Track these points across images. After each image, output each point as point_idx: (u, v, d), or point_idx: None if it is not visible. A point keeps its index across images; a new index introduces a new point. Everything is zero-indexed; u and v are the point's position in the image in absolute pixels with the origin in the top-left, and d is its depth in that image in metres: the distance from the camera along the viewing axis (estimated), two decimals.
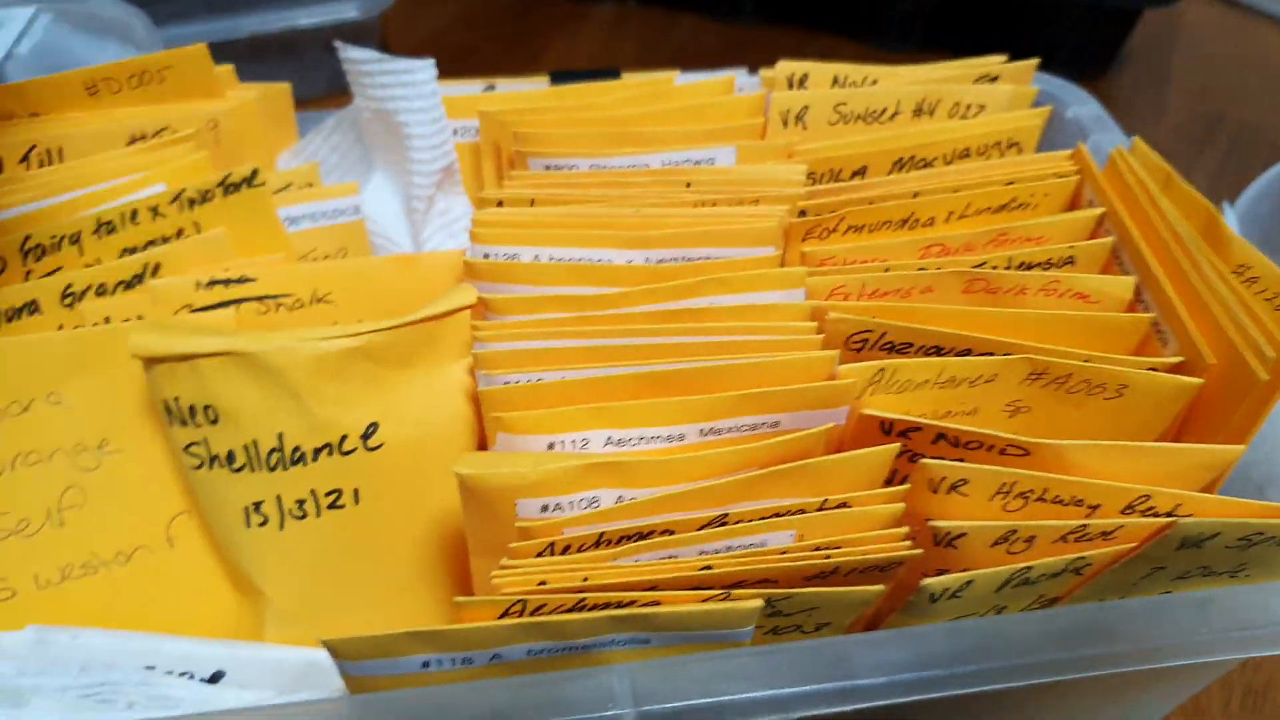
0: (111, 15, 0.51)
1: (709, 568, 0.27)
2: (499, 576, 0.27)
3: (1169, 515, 0.28)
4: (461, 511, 0.34)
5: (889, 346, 0.33)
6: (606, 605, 0.26)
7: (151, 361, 0.31)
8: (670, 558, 0.28)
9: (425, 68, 0.38)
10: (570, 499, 0.29)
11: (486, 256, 0.35)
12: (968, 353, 0.32)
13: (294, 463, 0.32)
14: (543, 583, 0.26)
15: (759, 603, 0.26)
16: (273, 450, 0.32)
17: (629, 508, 0.28)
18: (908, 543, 0.28)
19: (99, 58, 0.54)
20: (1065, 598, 0.30)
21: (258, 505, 0.33)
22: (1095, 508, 0.29)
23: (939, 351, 0.33)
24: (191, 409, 0.31)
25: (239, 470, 0.32)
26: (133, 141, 0.39)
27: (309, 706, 0.27)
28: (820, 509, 0.28)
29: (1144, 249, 0.34)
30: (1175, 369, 0.32)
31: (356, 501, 0.33)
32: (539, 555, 0.27)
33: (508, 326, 0.32)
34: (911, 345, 0.33)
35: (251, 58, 0.62)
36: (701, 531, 0.28)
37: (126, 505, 0.35)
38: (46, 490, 0.34)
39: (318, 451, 0.32)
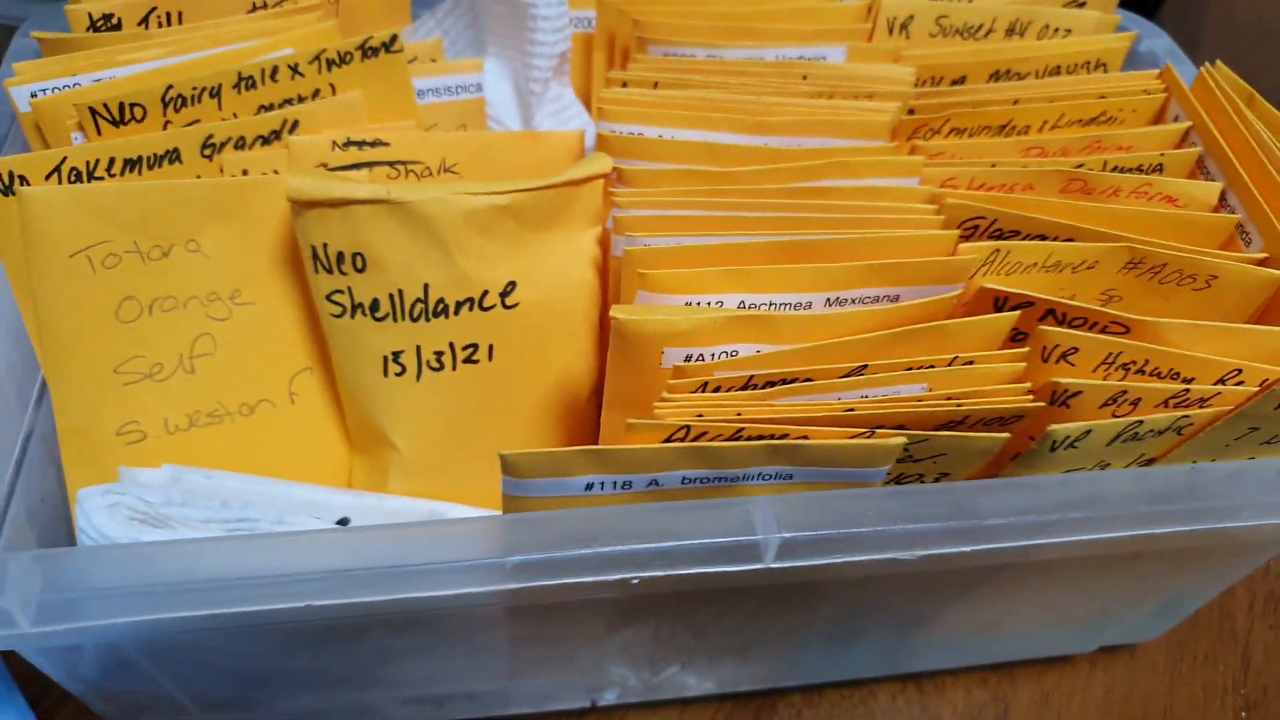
0: None
1: (852, 410, 0.29)
2: (661, 407, 0.28)
3: (1259, 387, 0.31)
4: (591, 368, 0.36)
5: (998, 234, 0.35)
6: (761, 437, 0.28)
7: (304, 206, 0.32)
8: (812, 401, 0.30)
9: None
10: (714, 350, 0.31)
11: (613, 133, 0.36)
12: (1070, 241, 0.35)
13: (436, 314, 0.33)
14: (700, 415, 0.28)
15: (902, 440, 0.28)
16: (417, 300, 0.33)
17: (773, 357, 0.30)
18: (1030, 396, 0.30)
19: None
20: (1162, 458, 0.33)
21: (397, 355, 0.34)
22: (1190, 380, 0.32)
23: (1043, 239, 0.35)
24: (340, 256, 0.32)
25: (382, 319, 0.33)
26: (254, 10, 0.40)
27: (475, 524, 0.29)
28: (950, 364, 0.30)
29: (1231, 156, 0.36)
30: (1261, 264, 0.34)
31: (490, 358, 0.35)
32: (693, 393, 0.29)
33: (647, 193, 0.33)
34: (1019, 233, 0.35)
35: None
36: (842, 380, 0.30)
37: (254, 357, 0.36)
38: (180, 337, 0.35)
39: (460, 305, 0.34)
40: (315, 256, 0.33)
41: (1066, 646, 0.43)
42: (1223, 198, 0.37)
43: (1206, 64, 0.39)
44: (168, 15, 0.40)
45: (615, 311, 0.30)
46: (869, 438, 0.28)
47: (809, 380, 0.30)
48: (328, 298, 0.33)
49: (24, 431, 0.36)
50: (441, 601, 0.28)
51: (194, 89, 0.35)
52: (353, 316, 0.33)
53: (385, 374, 0.34)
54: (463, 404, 0.35)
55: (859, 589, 0.35)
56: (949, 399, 0.30)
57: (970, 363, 0.31)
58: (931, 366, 0.30)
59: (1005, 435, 0.29)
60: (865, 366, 0.30)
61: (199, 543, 0.28)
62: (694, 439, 0.28)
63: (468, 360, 0.35)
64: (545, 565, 0.27)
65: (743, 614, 0.35)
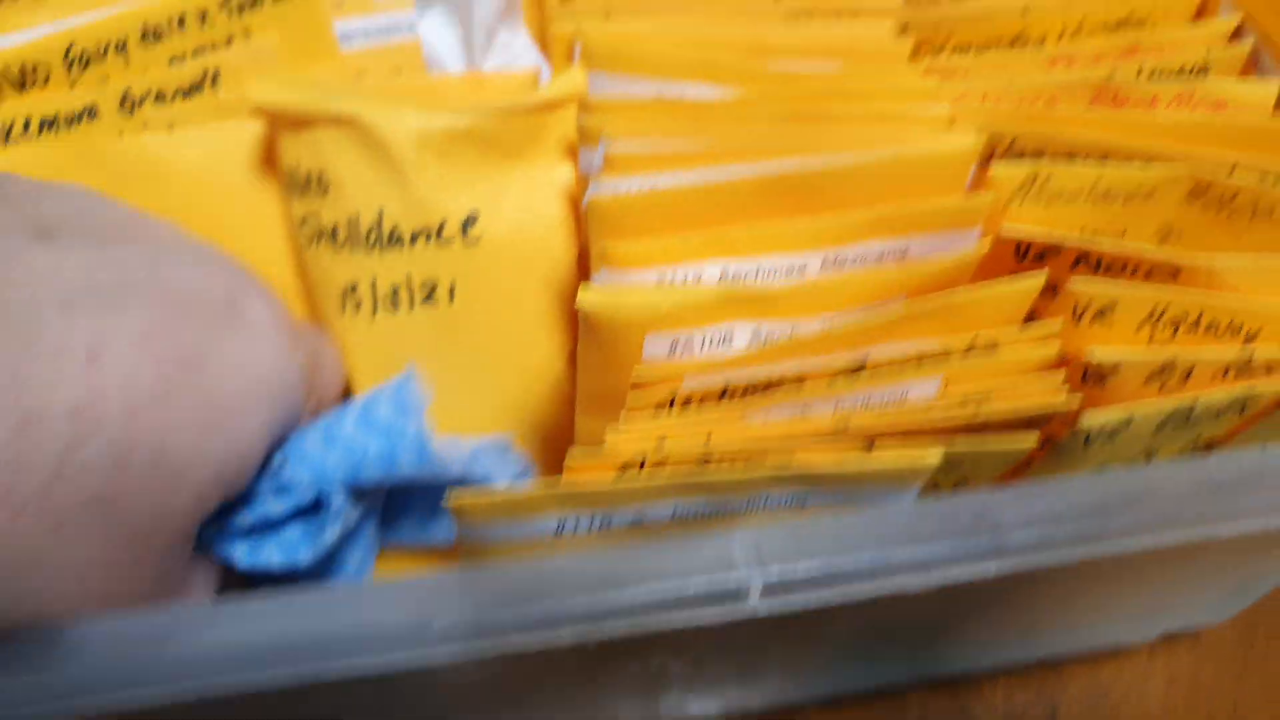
0: None
1: (846, 423, 0.23)
2: (615, 434, 0.23)
3: None
4: (570, 320, 0.31)
5: (1019, 155, 0.29)
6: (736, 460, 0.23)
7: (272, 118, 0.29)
8: (803, 411, 0.24)
9: None
10: (703, 333, 0.25)
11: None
12: (1105, 160, 0.29)
13: (390, 243, 0.29)
14: (663, 439, 0.23)
15: (939, 454, 0.23)
16: (371, 228, 0.29)
17: (758, 354, 0.24)
18: (1065, 387, 0.24)
19: None
20: (1223, 442, 0.27)
21: (354, 287, 0.29)
22: (1255, 335, 0.26)
23: (1072, 158, 0.29)
24: (308, 177, 0.29)
25: (340, 246, 0.29)
26: None
27: (407, 589, 0.24)
28: (968, 351, 0.25)
29: None
30: None
31: (451, 299, 0.30)
32: (654, 412, 0.24)
33: (627, 124, 0.27)
34: (1044, 153, 0.29)
35: None
36: (838, 380, 0.24)
37: None
38: None
39: (415, 235, 0.29)
40: (290, 178, 0.29)
41: (1122, 636, 0.38)
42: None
43: None
44: None
45: (582, 298, 0.24)
46: (869, 450, 0.23)
47: (801, 382, 0.24)
48: (301, 223, 0.30)
49: None
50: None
51: (98, 44, 0.31)
52: (319, 244, 0.29)
53: (343, 309, 0.30)
54: (422, 350, 0.31)
55: (877, 607, 0.29)
56: (965, 401, 0.24)
57: (994, 345, 0.25)
58: (946, 355, 0.25)
59: (1032, 439, 0.24)
60: (865, 362, 0.24)
61: None
62: (654, 467, 0.22)
63: (427, 300, 0.30)
64: (472, 629, 0.22)
65: (742, 640, 0.31)
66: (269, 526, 0.26)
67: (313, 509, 0.26)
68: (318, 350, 0.29)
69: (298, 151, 0.29)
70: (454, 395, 0.31)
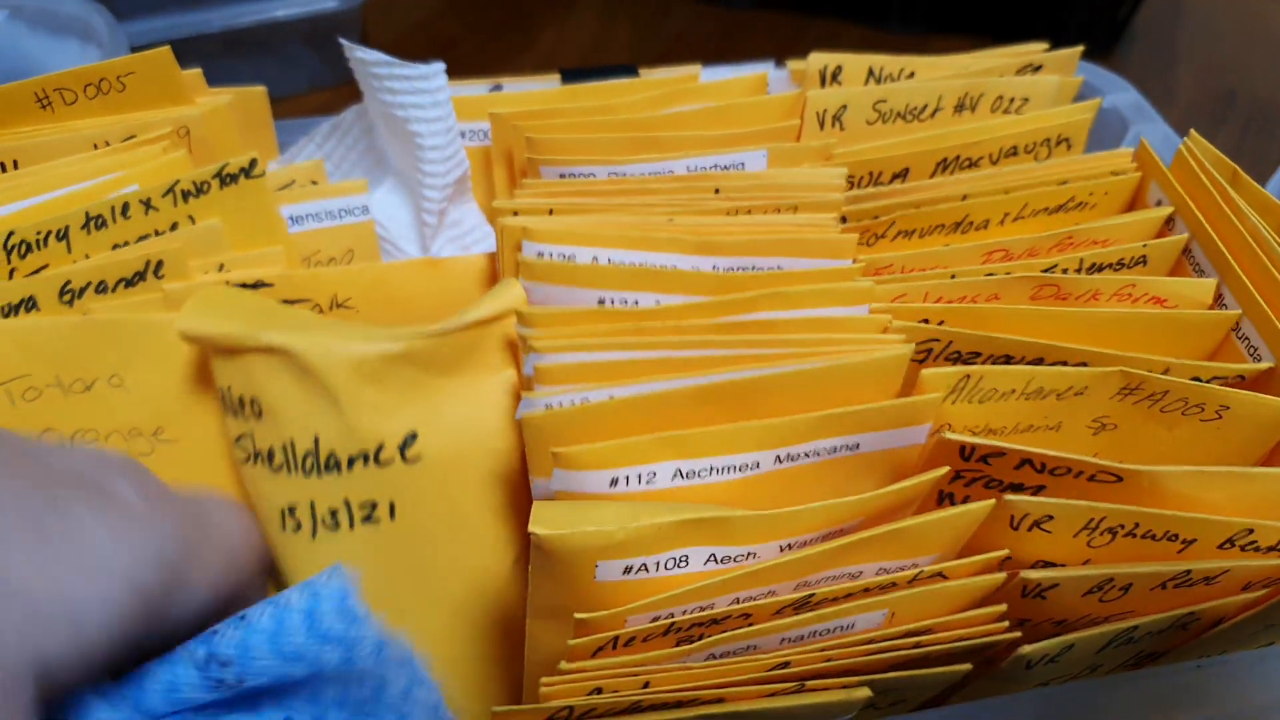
0: (70, 12, 0.47)
1: (786, 664, 0.24)
2: (547, 685, 0.23)
3: (1271, 550, 0.26)
4: (514, 528, 0.32)
5: (955, 357, 0.30)
6: (682, 704, 0.23)
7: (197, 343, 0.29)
8: (750, 648, 0.25)
9: (437, 73, 0.34)
10: (659, 558, 0.25)
11: (540, 256, 0.31)
12: (1040, 361, 0.30)
13: (328, 469, 0.29)
14: (598, 689, 0.23)
15: (866, 692, 0.23)
16: (308, 453, 0.29)
17: (707, 588, 0.25)
18: (1004, 624, 0.25)
19: (57, 59, 0.50)
20: (1166, 654, 0.28)
21: (292, 509, 0.30)
22: (1191, 542, 0.27)
23: (1008, 360, 0.30)
24: (241, 400, 0.29)
25: (277, 470, 0.29)
26: (95, 149, 0.36)
27: None
28: (914, 582, 0.25)
29: (1224, 250, 0.31)
30: (1268, 375, 0.29)
31: (392, 517, 0.30)
32: (596, 653, 0.24)
33: (561, 334, 0.28)
34: (980, 355, 0.30)
35: (226, 54, 0.57)
36: (783, 619, 0.25)
37: None
38: None
39: (352, 460, 0.29)
40: (224, 399, 0.30)
41: None
42: (1218, 296, 0.32)
43: (1185, 140, 0.34)
44: (1, 165, 0.35)
45: (534, 525, 0.24)
46: (799, 692, 0.23)
47: (747, 618, 0.24)
48: (236, 442, 0.30)
49: None
50: None
51: (38, 233, 0.32)
52: (255, 464, 0.30)
53: (283, 528, 0.30)
54: (365, 567, 0.30)
55: None
56: (908, 635, 0.25)
57: (939, 575, 0.26)
58: (894, 586, 0.25)
59: (966, 668, 0.24)
60: (811, 597, 0.25)
61: None
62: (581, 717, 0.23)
63: (367, 519, 0.30)
64: None
65: None
66: None
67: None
68: (201, 514, 0.26)
69: (230, 376, 0.29)
70: (400, 608, 0.31)
